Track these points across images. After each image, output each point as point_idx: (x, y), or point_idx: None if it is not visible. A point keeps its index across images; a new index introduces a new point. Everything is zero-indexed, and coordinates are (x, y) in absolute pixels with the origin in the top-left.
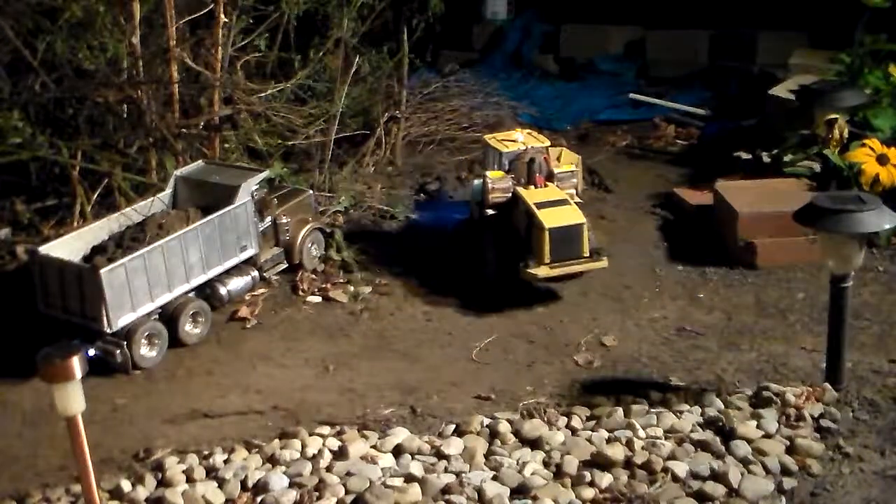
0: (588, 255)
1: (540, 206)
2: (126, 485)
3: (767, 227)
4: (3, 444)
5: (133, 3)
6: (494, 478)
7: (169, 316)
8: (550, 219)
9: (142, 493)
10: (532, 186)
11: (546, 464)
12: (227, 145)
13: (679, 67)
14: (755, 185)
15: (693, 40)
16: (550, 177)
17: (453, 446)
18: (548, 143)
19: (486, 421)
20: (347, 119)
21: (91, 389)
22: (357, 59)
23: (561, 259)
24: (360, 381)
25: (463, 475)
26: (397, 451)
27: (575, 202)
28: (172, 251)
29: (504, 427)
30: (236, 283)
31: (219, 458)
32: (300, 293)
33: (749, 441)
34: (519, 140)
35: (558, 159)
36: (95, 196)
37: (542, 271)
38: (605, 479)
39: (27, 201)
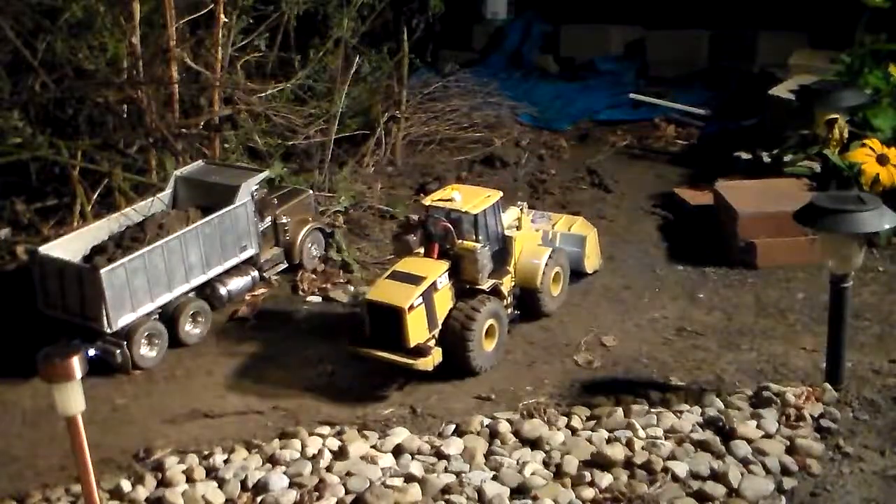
0: (411, 349)
1: (392, 275)
2: (126, 485)
3: (767, 227)
4: (3, 444)
5: (133, 3)
6: (494, 478)
7: (169, 316)
8: (378, 291)
9: (142, 493)
10: (422, 253)
11: (546, 464)
12: (227, 145)
13: (679, 67)
14: (755, 185)
15: (693, 40)
16: (450, 249)
17: (453, 446)
18: (476, 210)
19: (486, 421)
20: (347, 119)
21: (91, 389)
22: (357, 59)
23: (381, 340)
24: (360, 381)
25: (463, 475)
26: (397, 451)
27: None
28: (172, 251)
29: (504, 427)
30: (236, 283)
31: (219, 458)
32: (300, 293)
33: (749, 441)
34: (455, 199)
35: (569, 229)
36: (95, 196)
37: (354, 347)
38: (605, 479)
39: (27, 201)
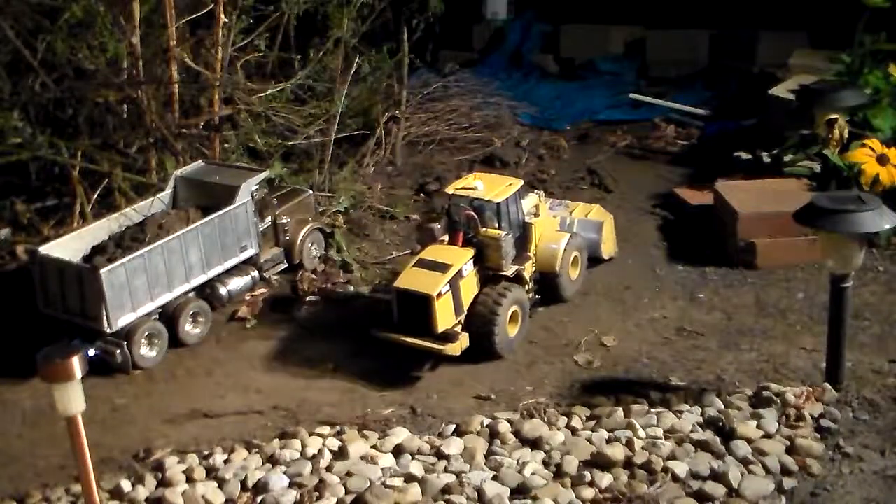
0: (439, 334)
1: (418, 263)
2: (126, 485)
3: (767, 227)
4: (3, 444)
5: (133, 3)
6: (494, 478)
7: (169, 316)
8: (406, 279)
9: (142, 493)
10: (447, 241)
11: (546, 464)
12: (227, 145)
13: (679, 67)
14: (755, 185)
15: (693, 40)
16: (474, 236)
17: (453, 446)
18: (499, 199)
19: (486, 421)
20: (347, 119)
21: (91, 389)
22: (357, 59)
23: (409, 326)
24: (360, 381)
25: (463, 475)
26: (397, 451)
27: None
28: (172, 251)
29: (504, 427)
30: (236, 283)
31: (219, 458)
32: (300, 293)
33: (749, 441)
34: (478, 188)
35: (587, 216)
36: (95, 196)
37: (381, 332)
38: (605, 479)
39: (27, 201)
